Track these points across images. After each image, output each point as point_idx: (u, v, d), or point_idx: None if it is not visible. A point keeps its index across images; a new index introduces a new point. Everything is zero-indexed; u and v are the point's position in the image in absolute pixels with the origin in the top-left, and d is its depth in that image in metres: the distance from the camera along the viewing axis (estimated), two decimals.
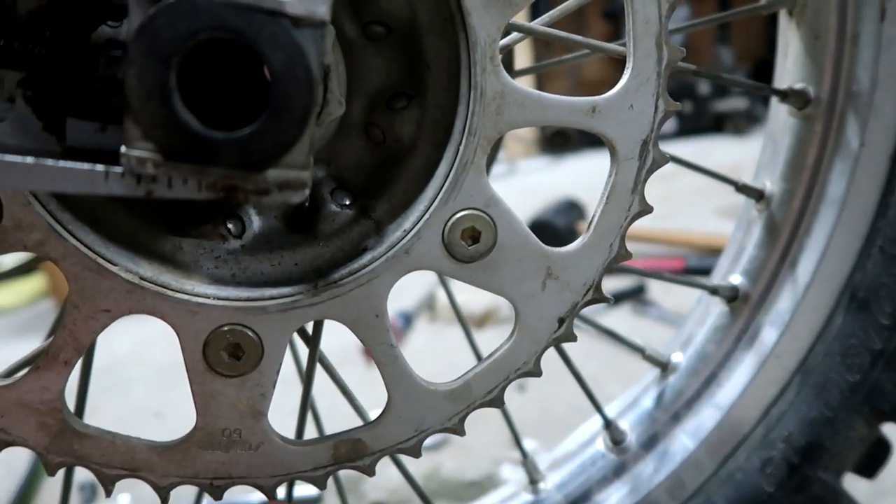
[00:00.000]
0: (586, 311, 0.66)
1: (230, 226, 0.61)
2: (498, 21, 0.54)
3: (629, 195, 0.59)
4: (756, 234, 0.89)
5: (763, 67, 6.88)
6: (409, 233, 0.57)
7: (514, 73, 0.79)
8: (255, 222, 0.62)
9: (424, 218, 0.57)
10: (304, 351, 0.70)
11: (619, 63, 0.58)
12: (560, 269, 0.60)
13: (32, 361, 0.65)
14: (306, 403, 0.73)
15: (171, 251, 0.58)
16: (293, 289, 0.57)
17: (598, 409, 0.90)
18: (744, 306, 0.88)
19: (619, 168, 0.59)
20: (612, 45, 0.61)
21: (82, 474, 0.58)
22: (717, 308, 0.92)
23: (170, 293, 0.55)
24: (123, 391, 2.27)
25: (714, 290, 0.89)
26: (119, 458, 0.58)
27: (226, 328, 0.56)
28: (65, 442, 0.56)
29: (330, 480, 0.64)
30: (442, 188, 0.57)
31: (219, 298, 0.56)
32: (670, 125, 4.80)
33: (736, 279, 0.89)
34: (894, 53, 0.75)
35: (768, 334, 0.85)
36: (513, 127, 0.56)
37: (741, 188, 0.88)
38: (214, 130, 0.41)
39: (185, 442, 0.58)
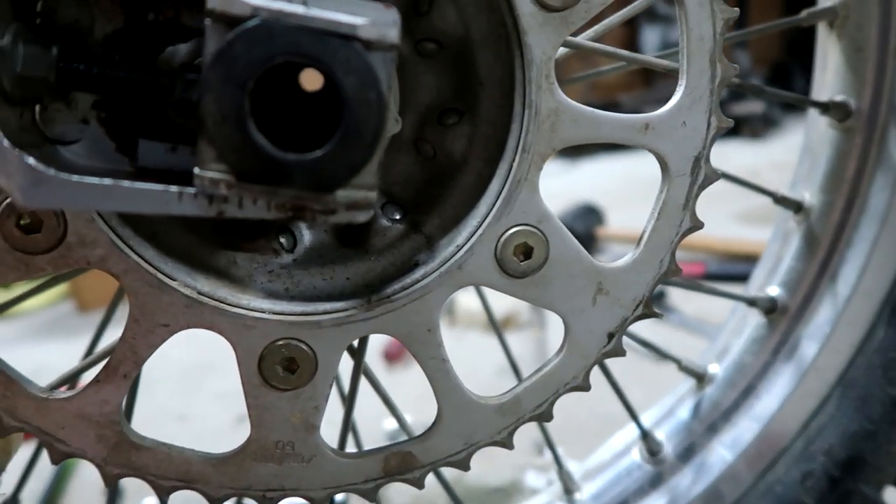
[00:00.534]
0: None
1: (282, 240, 0.61)
2: (554, 39, 0.54)
3: (680, 211, 0.60)
4: (794, 246, 0.89)
5: (779, 71, 6.85)
6: (461, 248, 0.58)
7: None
8: (307, 236, 0.62)
9: (477, 234, 0.57)
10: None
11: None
12: (611, 284, 0.60)
13: (76, 376, 0.66)
14: (349, 415, 0.73)
15: (225, 265, 0.59)
16: (347, 303, 0.58)
17: (635, 419, 0.90)
18: (782, 318, 0.88)
19: (671, 184, 0.59)
20: (662, 61, 0.61)
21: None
22: (753, 319, 0.92)
23: (227, 308, 0.55)
24: (146, 394, 2.28)
25: (752, 302, 0.89)
26: (175, 470, 0.58)
27: (281, 342, 0.57)
28: (122, 454, 0.57)
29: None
30: (495, 204, 0.57)
31: (274, 313, 0.57)
32: None
33: (774, 291, 0.89)
34: None
35: (808, 347, 0.85)
36: (566, 144, 0.57)
37: (779, 200, 0.88)
38: (287, 153, 0.41)
39: (239, 454, 0.59)
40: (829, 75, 0.86)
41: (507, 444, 0.63)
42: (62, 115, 0.43)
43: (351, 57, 0.41)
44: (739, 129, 5.56)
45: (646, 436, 0.90)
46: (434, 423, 0.61)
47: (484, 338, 2.39)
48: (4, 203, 0.48)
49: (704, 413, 0.91)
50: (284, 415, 0.58)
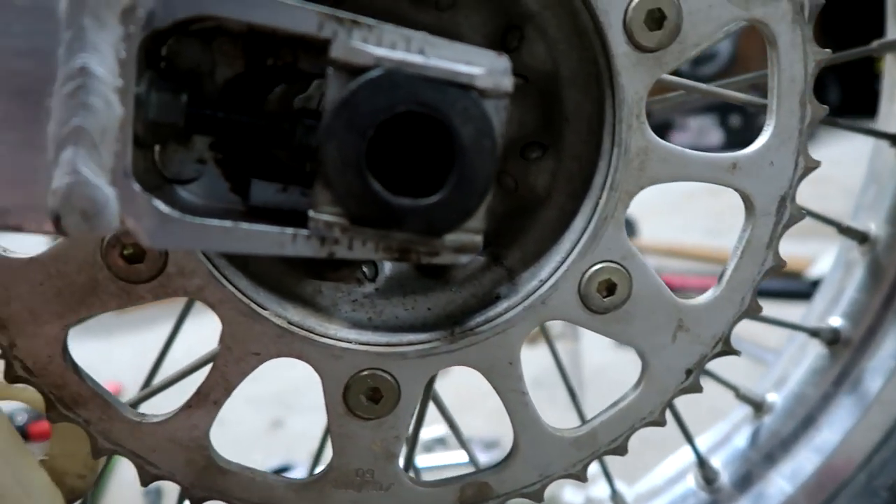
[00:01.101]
0: None
1: (364, 269, 0.62)
2: (647, 80, 0.54)
3: (764, 250, 0.60)
4: (858, 277, 0.88)
5: (815, 84, 6.75)
6: (545, 283, 0.58)
7: None
8: (387, 266, 0.63)
9: (562, 269, 0.58)
10: None
11: None
12: (691, 321, 0.60)
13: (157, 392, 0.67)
14: (415, 442, 0.74)
15: (311, 294, 0.60)
16: (430, 335, 0.58)
17: (693, 445, 0.90)
18: (844, 350, 0.88)
19: (756, 223, 0.59)
20: (754, 98, 0.61)
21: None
22: (814, 350, 0.91)
23: (316, 338, 0.56)
24: (180, 401, 2.30)
25: (815, 333, 0.88)
26: (258, 495, 0.59)
27: (366, 372, 0.57)
28: (209, 478, 0.58)
29: None
30: (580, 240, 0.58)
31: (360, 343, 0.58)
32: (717, 139, 4.74)
33: (836, 321, 0.89)
34: None
35: (872, 380, 0.84)
36: (654, 182, 0.57)
37: (844, 230, 0.88)
38: (401, 198, 0.42)
39: (320, 480, 0.60)
40: None
41: (581, 476, 0.63)
42: (179, 156, 0.45)
43: (468, 106, 0.42)
44: None
45: (703, 463, 0.90)
46: (510, 454, 0.62)
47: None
48: (111, 234, 0.49)
49: (762, 442, 0.91)
50: (366, 443, 0.59)
